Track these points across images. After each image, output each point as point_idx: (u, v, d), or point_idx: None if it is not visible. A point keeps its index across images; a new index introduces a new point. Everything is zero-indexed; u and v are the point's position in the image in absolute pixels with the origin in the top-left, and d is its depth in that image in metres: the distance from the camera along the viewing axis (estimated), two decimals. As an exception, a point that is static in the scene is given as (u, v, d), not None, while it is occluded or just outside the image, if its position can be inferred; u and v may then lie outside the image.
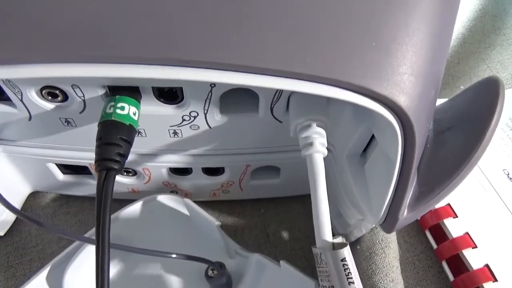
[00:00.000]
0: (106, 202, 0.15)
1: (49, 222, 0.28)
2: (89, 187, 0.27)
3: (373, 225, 0.24)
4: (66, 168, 0.26)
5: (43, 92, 0.18)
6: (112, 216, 0.19)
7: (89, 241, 0.19)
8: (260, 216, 0.29)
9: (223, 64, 0.14)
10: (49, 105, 0.19)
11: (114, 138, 0.17)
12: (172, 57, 0.14)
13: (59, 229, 0.26)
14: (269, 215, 0.29)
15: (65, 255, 0.22)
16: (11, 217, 0.27)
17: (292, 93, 0.19)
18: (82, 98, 0.18)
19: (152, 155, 0.23)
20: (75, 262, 0.22)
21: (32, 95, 0.18)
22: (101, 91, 0.18)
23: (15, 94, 0.18)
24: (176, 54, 0.14)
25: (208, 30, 0.14)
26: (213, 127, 0.21)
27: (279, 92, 0.19)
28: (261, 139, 0.22)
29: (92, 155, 0.17)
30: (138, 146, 0.22)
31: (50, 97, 0.19)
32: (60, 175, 0.26)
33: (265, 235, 0.28)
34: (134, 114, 0.18)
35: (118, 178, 0.26)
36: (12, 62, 0.14)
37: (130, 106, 0.17)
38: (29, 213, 0.28)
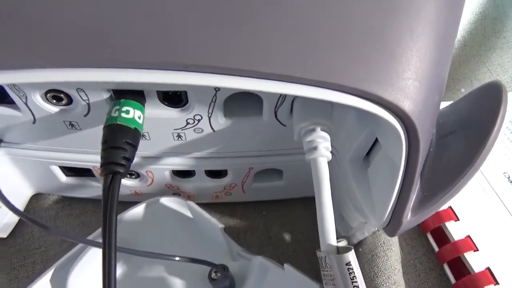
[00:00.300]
0: (112, 206, 0.15)
1: (53, 225, 0.28)
2: (91, 189, 0.27)
3: (376, 229, 0.25)
4: (69, 171, 0.26)
5: (48, 95, 0.18)
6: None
7: (93, 244, 0.19)
8: (262, 218, 0.29)
9: (228, 68, 0.14)
10: (53, 109, 0.19)
11: (120, 142, 0.17)
12: (177, 62, 0.14)
13: (63, 232, 0.26)
14: (272, 217, 0.29)
15: (69, 257, 0.22)
16: (14, 219, 0.27)
17: (296, 97, 0.19)
18: (87, 101, 0.18)
19: (156, 158, 0.23)
20: (79, 265, 0.22)
21: (37, 99, 0.18)
22: (106, 95, 0.18)
23: (19, 97, 0.18)
24: (180, 59, 0.14)
25: (213, 34, 0.14)
26: (217, 130, 0.21)
27: (283, 96, 0.19)
28: (264, 142, 0.22)
29: (96, 157, 0.17)
30: (142, 149, 0.22)
31: (54, 101, 0.19)
32: (63, 177, 0.26)
33: (267, 237, 0.28)
34: (139, 117, 0.18)
35: (121, 180, 0.26)
36: (17, 67, 0.14)
37: (135, 110, 0.17)
38: (31, 215, 0.28)
